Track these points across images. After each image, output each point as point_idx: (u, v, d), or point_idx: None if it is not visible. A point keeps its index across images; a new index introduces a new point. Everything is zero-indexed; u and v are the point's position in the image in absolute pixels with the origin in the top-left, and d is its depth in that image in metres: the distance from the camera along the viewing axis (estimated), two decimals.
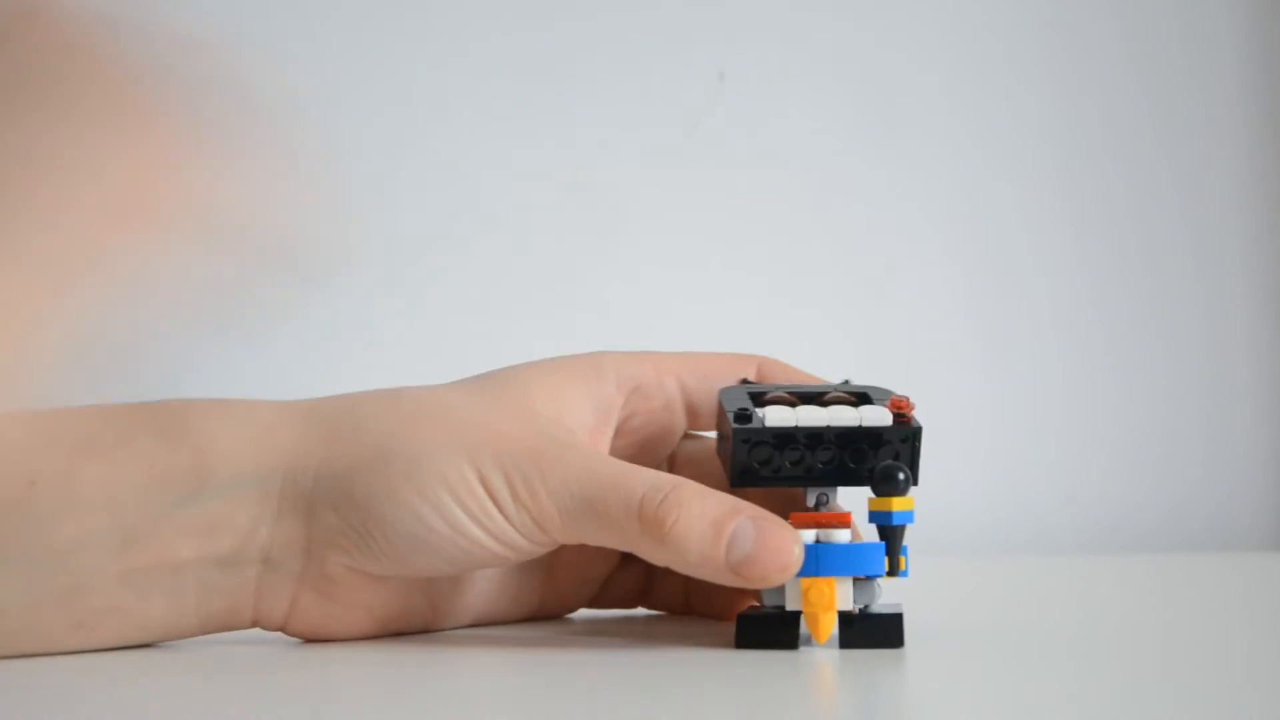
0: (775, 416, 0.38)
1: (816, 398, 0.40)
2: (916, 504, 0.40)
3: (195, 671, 0.37)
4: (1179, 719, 0.30)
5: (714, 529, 0.36)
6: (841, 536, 0.38)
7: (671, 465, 0.44)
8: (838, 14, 0.82)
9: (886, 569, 0.38)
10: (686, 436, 0.44)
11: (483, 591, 0.43)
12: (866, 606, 0.39)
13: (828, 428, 0.39)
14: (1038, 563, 0.72)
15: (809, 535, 0.38)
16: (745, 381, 0.42)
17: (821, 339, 0.80)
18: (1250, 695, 0.33)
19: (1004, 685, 0.35)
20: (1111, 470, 0.82)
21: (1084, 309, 0.83)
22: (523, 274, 0.78)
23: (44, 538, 0.36)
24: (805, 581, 0.37)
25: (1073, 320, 0.83)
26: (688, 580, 0.44)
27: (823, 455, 0.39)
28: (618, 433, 0.42)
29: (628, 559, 0.44)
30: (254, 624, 0.39)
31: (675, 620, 0.46)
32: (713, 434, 0.43)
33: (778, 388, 0.41)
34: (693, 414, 0.43)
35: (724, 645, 0.40)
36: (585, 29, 0.80)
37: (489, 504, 0.37)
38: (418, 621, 0.41)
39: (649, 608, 0.46)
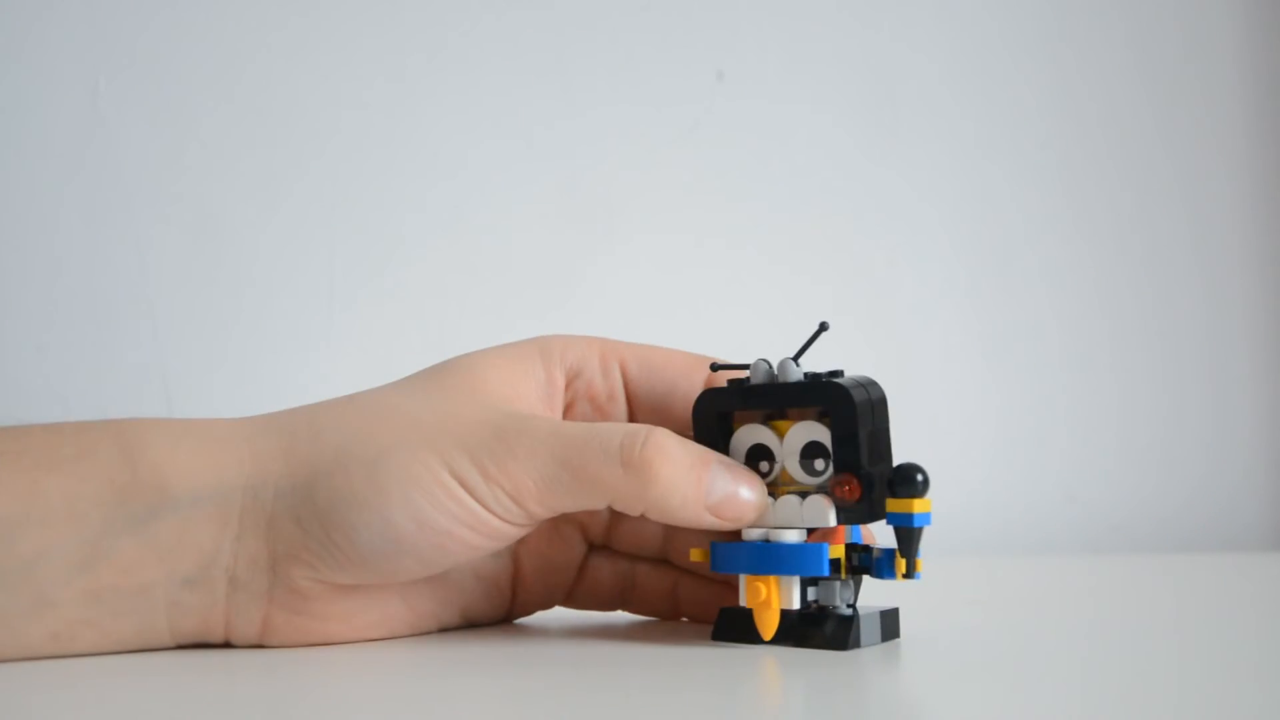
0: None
1: (780, 415, 0.40)
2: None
3: (177, 676, 0.37)
4: (1179, 718, 0.30)
5: (694, 472, 0.37)
6: (790, 536, 0.38)
7: None
8: (837, 13, 0.82)
9: (902, 571, 0.38)
10: None
11: (458, 591, 0.42)
12: (833, 606, 0.39)
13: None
14: (1039, 562, 0.71)
15: (756, 533, 0.39)
16: (711, 391, 0.41)
17: (822, 339, 0.80)
18: (1251, 695, 0.33)
19: (1004, 685, 0.34)
20: (1113, 470, 0.82)
21: (1086, 310, 0.83)
22: (519, 272, 0.78)
23: (6, 548, 0.36)
24: (747, 579, 0.38)
25: (1074, 321, 0.83)
26: (676, 580, 0.44)
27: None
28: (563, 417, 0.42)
29: (598, 549, 0.44)
30: (227, 641, 0.39)
31: (654, 621, 0.46)
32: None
33: (747, 394, 0.40)
34: (634, 405, 0.42)
35: (701, 641, 0.40)
36: (584, 28, 0.80)
37: (459, 490, 0.36)
38: (398, 627, 0.41)
39: (631, 611, 0.45)
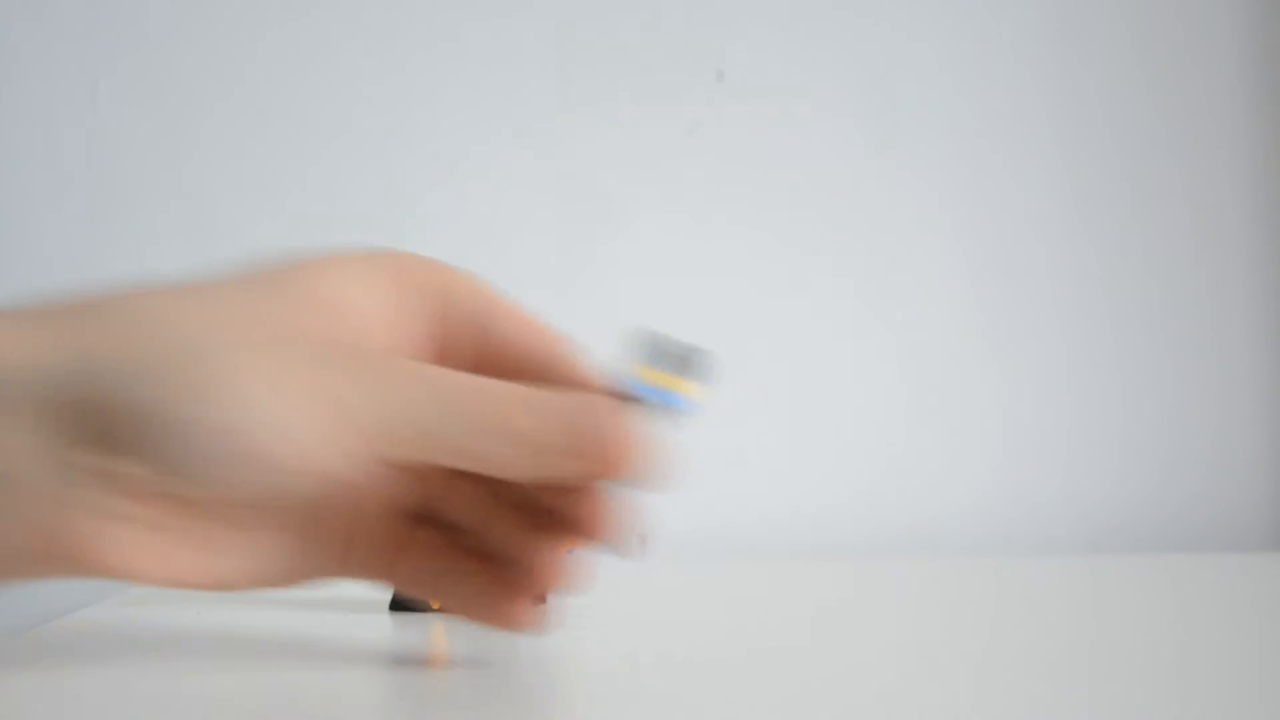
0: None
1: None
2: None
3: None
4: (1180, 719, 0.30)
5: (548, 408, 0.33)
6: None
7: None
8: (837, 11, 0.82)
9: None
10: None
11: (287, 530, 0.35)
12: None
13: None
14: (1039, 562, 0.71)
15: None
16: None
17: (824, 338, 0.80)
18: (1251, 696, 0.33)
19: (1003, 685, 0.34)
20: (1114, 470, 0.82)
21: (1087, 309, 0.83)
22: (520, 272, 0.78)
23: None
24: None
25: (1076, 320, 0.83)
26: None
27: None
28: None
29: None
30: (45, 563, 0.31)
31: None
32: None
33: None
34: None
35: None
36: (584, 27, 0.79)
37: (322, 405, 0.31)
38: (244, 562, 0.34)
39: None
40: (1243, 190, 0.84)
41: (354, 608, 0.42)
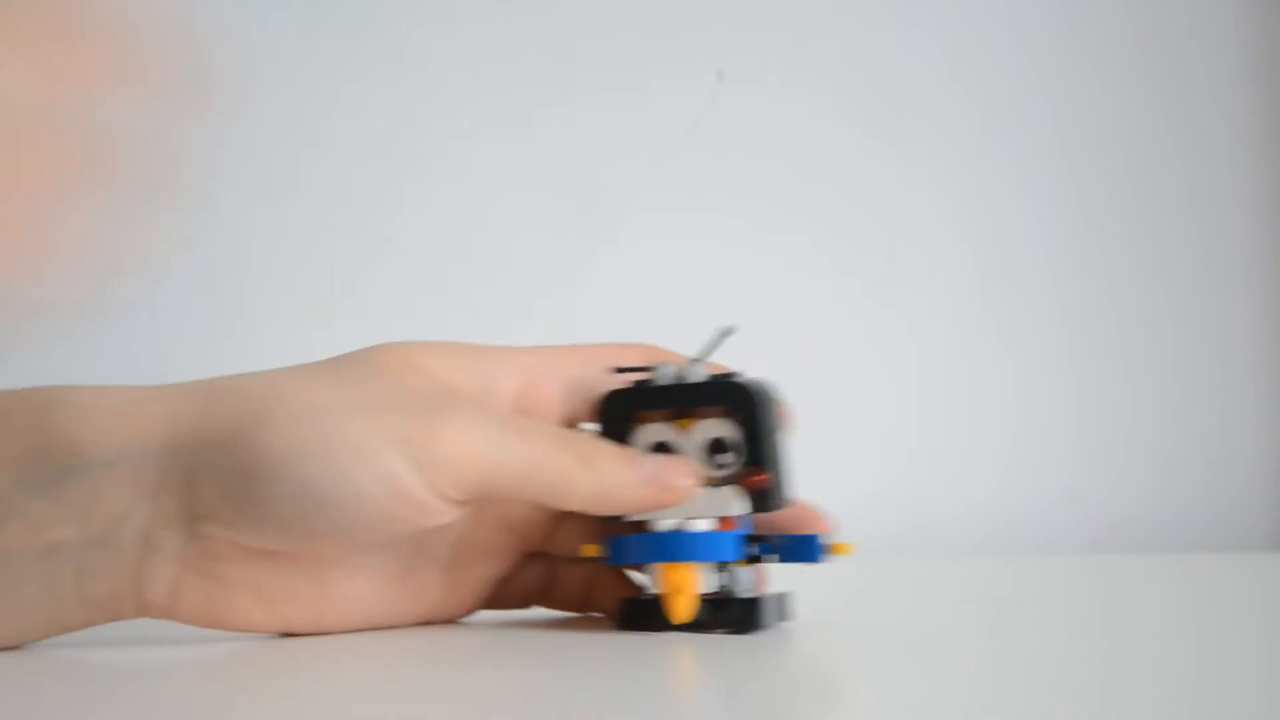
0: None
1: (681, 414, 0.41)
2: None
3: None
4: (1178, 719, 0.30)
5: (627, 454, 0.39)
6: (702, 525, 0.40)
7: None
8: (838, 10, 0.82)
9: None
10: None
11: (375, 582, 0.40)
12: (730, 591, 0.40)
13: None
14: (1039, 562, 0.71)
15: (669, 523, 0.40)
16: (618, 391, 0.41)
17: (824, 338, 0.80)
18: (1253, 696, 0.33)
19: (1003, 685, 0.34)
20: (1113, 470, 0.82)
21: (1088, 309, 0.83)
22: (520, 275, 0.78)
23: None
24: (663, 567, 0.39)
25: (1076, 320, 0.83)
26: (587, 576, 0.43)
27: None
28: None
29: (527, 560, 0.43)
30: (140, 611, 0.37)
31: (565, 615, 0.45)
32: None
33: (658, 394, 0.41)
34: (581, 408, 0.42)
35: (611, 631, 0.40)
36: (584, 28, 0.79)
37: (390, 453, 0.35)
38: (308, 611, 0.39)
39: (548, 607, 0.44)
40: (1247, 192, 0.84)
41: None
